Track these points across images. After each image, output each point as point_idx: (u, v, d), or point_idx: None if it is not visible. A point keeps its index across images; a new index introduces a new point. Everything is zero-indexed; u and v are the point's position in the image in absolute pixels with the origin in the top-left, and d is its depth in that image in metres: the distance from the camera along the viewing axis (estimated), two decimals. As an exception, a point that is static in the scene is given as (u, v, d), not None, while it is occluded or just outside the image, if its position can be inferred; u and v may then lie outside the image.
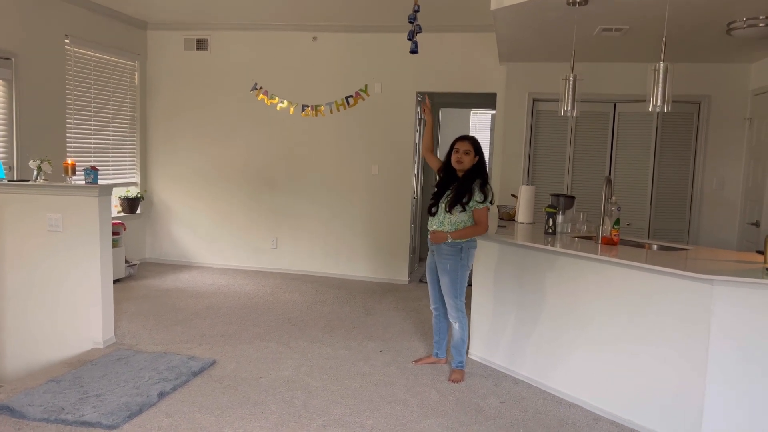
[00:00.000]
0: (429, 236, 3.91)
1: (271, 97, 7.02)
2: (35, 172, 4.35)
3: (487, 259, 4.29)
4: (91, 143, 6.60)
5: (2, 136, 5.42)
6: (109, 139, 6.89)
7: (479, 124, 12.93)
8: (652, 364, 3.30)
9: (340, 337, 4.76)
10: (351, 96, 6.82)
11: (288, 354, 4.32)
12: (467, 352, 4.26)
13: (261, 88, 7.05)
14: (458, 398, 3.67)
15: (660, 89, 3.42)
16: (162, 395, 3.46)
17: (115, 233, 6.38)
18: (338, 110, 6.86)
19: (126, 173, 7.26)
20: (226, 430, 3.13)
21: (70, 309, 4.28)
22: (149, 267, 7.22)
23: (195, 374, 3.81)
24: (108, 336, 4.35)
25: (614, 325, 3.48)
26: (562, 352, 3.79)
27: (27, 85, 5.61)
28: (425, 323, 5.21)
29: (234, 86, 7.13)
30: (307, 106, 6.93)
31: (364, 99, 6.81)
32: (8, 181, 4.34)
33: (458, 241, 3.80)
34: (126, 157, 7.23)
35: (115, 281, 6.29)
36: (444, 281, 3.90)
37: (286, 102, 6.99)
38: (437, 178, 4.07)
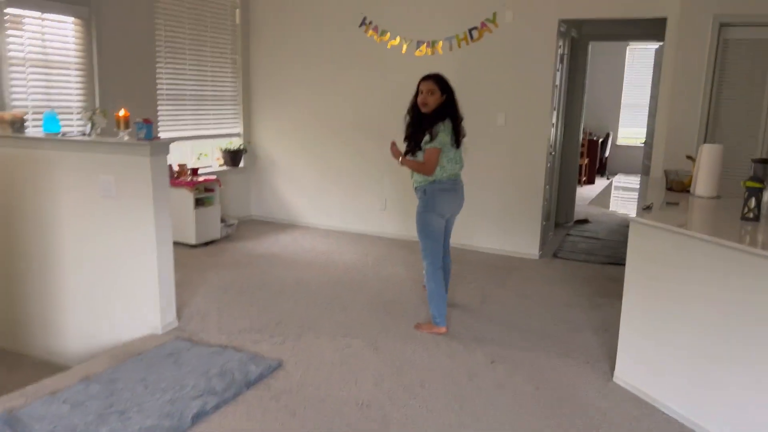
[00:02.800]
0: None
1: (382, 34, 5.97)
2: (88, 126, 3.73)
3: (644, 250, 3.04)
4: (186, 90, 6.02)
5: (81, 83, 4.92)
6: (207, 86, 6.28)
7: (637, 61, 10.90)
8: None
9: (442, 335, 3.78)
10: (475, 28, 5.57)
11: (372, 359, 3.42)
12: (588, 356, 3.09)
13: (371, 23, 6.02)
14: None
15: None
16: (198, 418, 2.71)
17: (209, 190, 5.83)
18: (459, 46, 5.65)
19: (228, 123, 6.67)
20: (261, 487, 2.31)
21: (126, 289, 3.68)
22: (251, 225, 6.66)
23: (250, 385, 3.04)
24: (168, 320, 3.71)
25: None
26: (748, 394, 2.52)
27: (108, 25, 5.03)
28: (559, 318, 4.07)
29: (341, 22, 6.15)
30: (423, 42, 5.80)
31: (491, 31, 5.53)
32: (62, 136, 3.75)
33: (420, 184, 3.69)
34: (227, 105, 6.61)
35: (209, 243, 5.78)
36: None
37: (398, 38, 5.90)
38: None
